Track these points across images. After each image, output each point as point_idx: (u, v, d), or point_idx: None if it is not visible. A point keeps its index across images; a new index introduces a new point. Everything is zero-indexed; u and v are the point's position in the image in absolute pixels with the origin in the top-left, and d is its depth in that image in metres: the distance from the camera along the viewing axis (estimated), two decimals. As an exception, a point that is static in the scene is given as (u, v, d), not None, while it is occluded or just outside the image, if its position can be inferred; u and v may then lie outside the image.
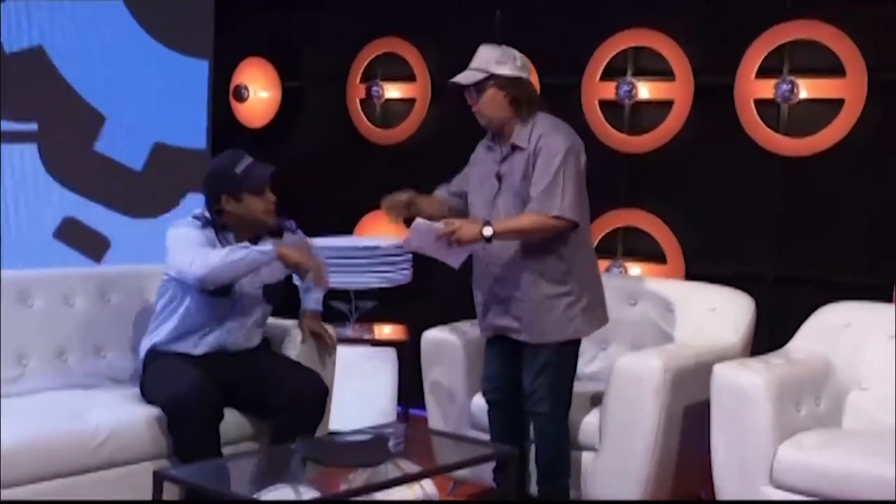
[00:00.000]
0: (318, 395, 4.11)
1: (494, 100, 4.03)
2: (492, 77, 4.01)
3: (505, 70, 4.01)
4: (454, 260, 4.06)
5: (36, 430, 3.68)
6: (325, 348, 4.37)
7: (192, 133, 6.34)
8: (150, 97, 6.13)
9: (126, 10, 6.08)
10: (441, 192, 4.40)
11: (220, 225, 4.11)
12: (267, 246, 4.00)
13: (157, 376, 4.04)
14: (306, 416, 4.06)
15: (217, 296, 4.07)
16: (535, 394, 4.01)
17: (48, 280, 4.31)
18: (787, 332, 4.61)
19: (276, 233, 4.21)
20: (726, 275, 4.99)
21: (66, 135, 5.89)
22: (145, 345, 4.19)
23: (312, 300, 4.41)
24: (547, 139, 3.97)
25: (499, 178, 4.07)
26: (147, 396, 4.03)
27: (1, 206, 5.53)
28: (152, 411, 3.94)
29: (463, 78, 4.06)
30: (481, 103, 4.05)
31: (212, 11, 6.41)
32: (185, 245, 4.02)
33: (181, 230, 4.09)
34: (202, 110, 6.36)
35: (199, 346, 4.13)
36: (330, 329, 4.43)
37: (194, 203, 5.53)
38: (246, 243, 4.02)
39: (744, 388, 3.81)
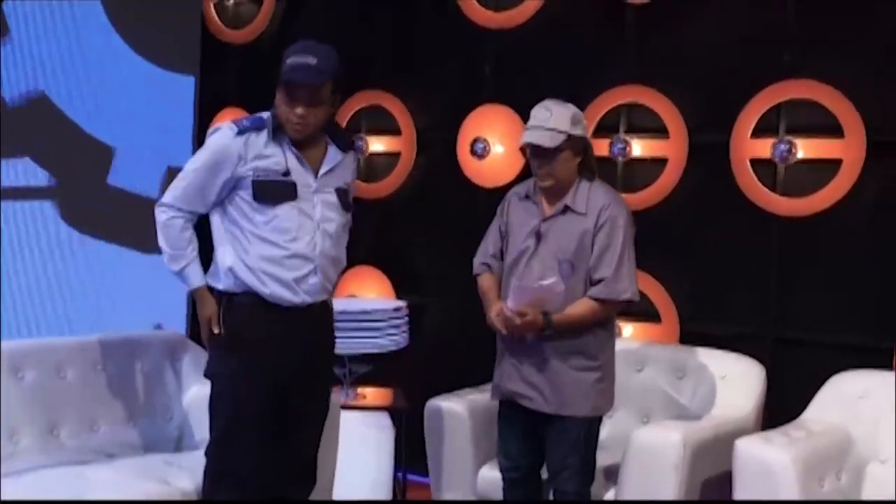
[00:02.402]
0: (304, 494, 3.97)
1: (568, 163, 3.88)
2: (570, 138, 3.85)
3: (578, 131, 3.87)
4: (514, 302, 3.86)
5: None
6: None
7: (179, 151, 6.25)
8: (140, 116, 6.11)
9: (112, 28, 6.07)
10: (491, 272, 4.15)
11: (275, 125, 3.73)
12: (197, 279, 3.74)
13: (226, 411, 3.74)
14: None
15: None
16: (563, 472, 3.89)
17: (40, 350, 4.14)
18: (784, 394, 4.58)
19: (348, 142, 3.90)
20: (722, 335, 4.94)
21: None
22: (225, 261, 3.74)
23: None
24: (611, 212, 3.87)
25: (538, 236, 3.93)
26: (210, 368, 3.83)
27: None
28: (155, 488, 3.79)
29: (544, 140, 3.83)
30: (555, 165, 3.86)
31: (198, 27, 6.40)
32: (188, 172, 3.73)
33: (206, 142, 3.79)
34: (188, 128, 6.25)
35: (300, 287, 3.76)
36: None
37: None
38: (188, 261, 3.73)
39: (769, 464, 3.72)
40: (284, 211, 3.72)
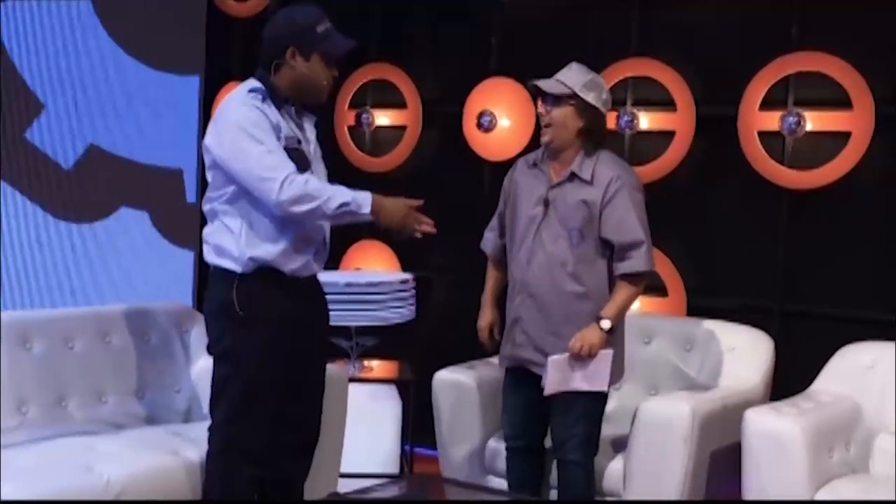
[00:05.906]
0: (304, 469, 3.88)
1: (567, 120, 3.91)
2: (574, 97, 3.89)
3: (589, 97, 3.90)
4: (601, 382, 3.87)
5: (43, 487, 3.45)
6: None
7: (182, 154, 6.23)
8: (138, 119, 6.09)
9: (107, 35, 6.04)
10: (492, 250, 4.29)
11: (280, 95, 3.56)
12: (366, 198, 3.51)
13: (240, 392, 3.58)
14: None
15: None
16: (568, 442, 3.90)
17: (48, 321, 4.11)
18: (792, 367, 4.57)
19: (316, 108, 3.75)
20: (729, 309, 4.93)
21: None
22: (244, 240, 3.53)
23: None
24: (622, 182, 3.90)
25: (546, 203, 3.94)
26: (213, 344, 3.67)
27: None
28: (164, 460, 3.77)
29: (546, 85, 3.93)
30: (553, 117, 3.92)
31: (202, 28, 6.39)
32: (263, 148, 3.41)
33: (244, 118, 3.45)
34: (193, 129, 6.23)
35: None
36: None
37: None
38: (342, 188, 3.47)
39: (778, 435, 3.72)
40: None
